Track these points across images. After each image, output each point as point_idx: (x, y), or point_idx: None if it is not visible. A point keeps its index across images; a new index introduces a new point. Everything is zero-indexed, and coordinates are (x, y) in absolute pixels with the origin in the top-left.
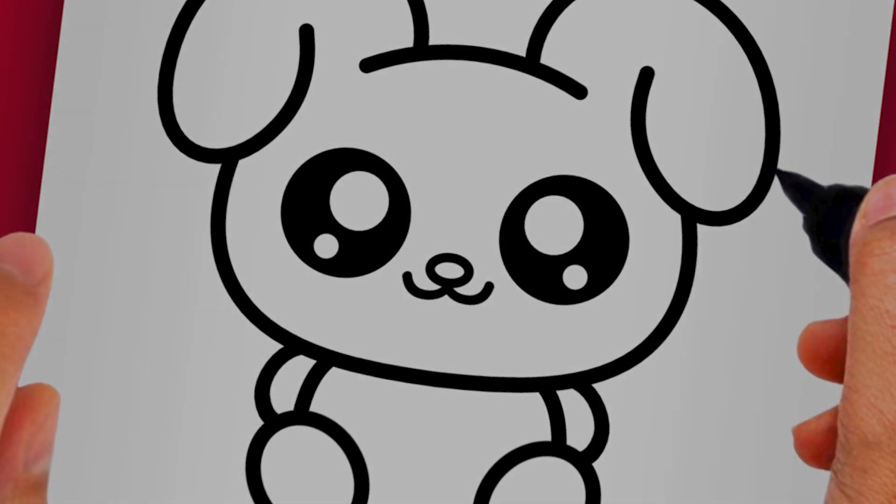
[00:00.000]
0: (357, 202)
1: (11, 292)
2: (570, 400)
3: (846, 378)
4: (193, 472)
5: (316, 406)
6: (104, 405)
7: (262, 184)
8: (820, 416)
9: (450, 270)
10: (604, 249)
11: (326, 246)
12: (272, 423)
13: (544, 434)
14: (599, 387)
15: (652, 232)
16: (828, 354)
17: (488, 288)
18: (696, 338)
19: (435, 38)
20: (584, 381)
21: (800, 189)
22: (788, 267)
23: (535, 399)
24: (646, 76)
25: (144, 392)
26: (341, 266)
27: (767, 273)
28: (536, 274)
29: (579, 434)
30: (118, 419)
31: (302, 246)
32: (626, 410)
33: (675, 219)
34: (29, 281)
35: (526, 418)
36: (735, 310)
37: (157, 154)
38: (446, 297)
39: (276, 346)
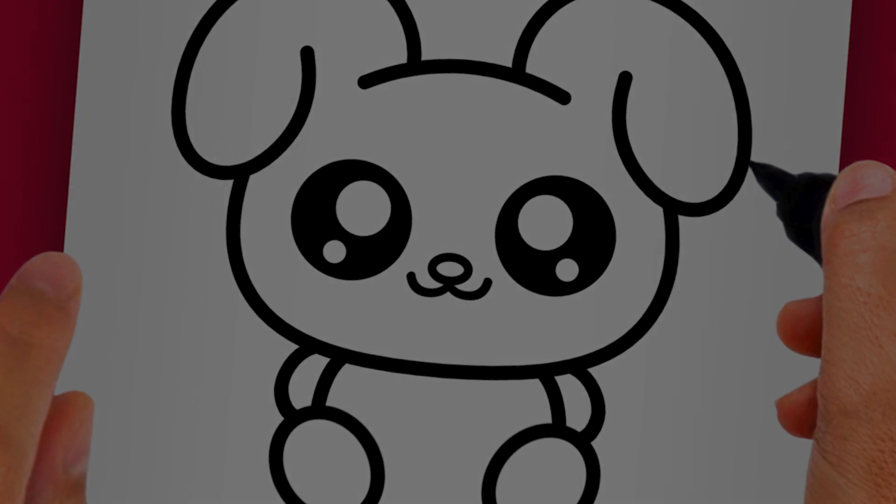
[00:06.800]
0: (361, 209)
1: (44, 308)
2: (568, 384)
3: (823, 352)
4: (220, 466)
5: (332, 401)
6: (135, 410)
7: (272, 196)
8: (800, 389)
9: (450, 269)
10: (593, 243)
11: (335, 251)
12: (292, 418)
13: (545, 417)
14: (595, 371)
15: (636, 225)
16: (805, 331)
17: (487, 284)
18: (683, 320)
19: (427, 54)
20: (580, 366)
21: (772, 178)
22: (765, 252)
23: (534, 385)
24: (624, 80)
25: (171, 396)
26: (349, 269)
27: (745, 258)
28: (531, 268)
29: (578, 416)
30: (149, 422)
31: (312, 252)
32: (620, 391)
33: (657, 211)
34: (59, 296)
35: (527, 403)
36: (717, 293)
37: (174, 173)
38: (448, 294)
39: (292, 347)
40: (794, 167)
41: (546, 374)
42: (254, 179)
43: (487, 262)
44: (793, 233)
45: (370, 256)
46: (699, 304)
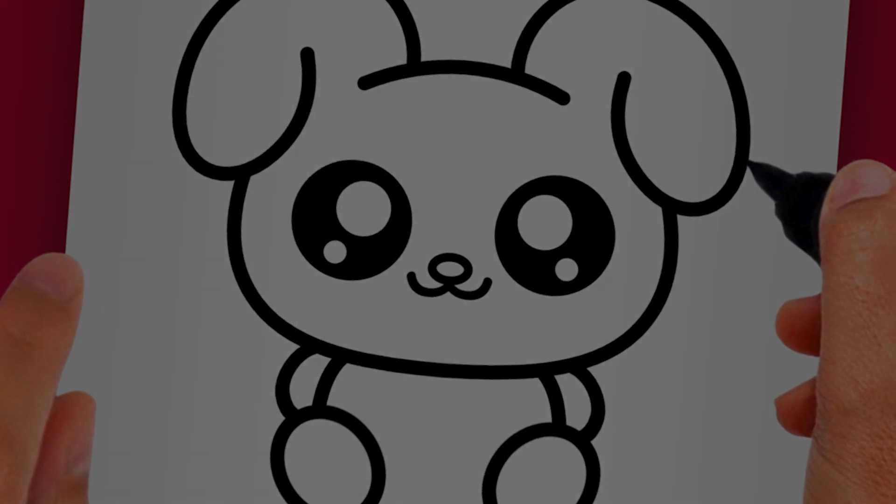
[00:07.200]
0: (362, 210)
1: (46, 309)
2: (568, 383)
3: (822, 351)
4: (222, 466)
5: (332, 400)
6: (136, 410)
7: (273, 197)
8: (799, 388)
9: (450, 269)
10: (592, 242)
11: (335, 252)
12: (293, 417)
13: (545, 416)
14: (594, 370)
15: (636, 224)
16: (803, 330)
17: (487, 283)
18: (682, 319)
19: (427, 55)
20: (579, 366)
21: (771, 178)
22: (763, 251)
23: (535, 384)
24: (623, 81)
25: (172, 396)
26: (350, 270)
27: (744, 257)
28: (531, 268)
29: (577, 415)
30: (150, 422)
31: (312, 253)
32: (619, 390)
33: (656, 211)
34: (61, 297)
35: (527, 402)
36: (716, 292)
37: (175, 174)
38: (448, 294)
39: (293, 347)
40: (793, 166)
41: (546, 373)
42: (254, 180)
43: (487, 262)
44: (791, 232)
45: (370, 256)
46: (698, 303)
